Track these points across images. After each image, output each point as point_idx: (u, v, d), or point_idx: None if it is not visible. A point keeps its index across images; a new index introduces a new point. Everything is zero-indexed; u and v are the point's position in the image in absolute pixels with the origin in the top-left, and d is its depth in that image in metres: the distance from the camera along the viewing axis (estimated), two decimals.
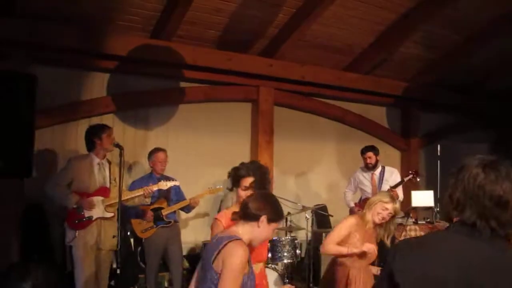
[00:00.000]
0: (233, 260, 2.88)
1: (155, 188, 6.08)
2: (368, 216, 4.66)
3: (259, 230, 3.09)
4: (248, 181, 3.73)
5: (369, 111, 9.86)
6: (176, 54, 6.95)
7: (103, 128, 5.86)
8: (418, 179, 7.73)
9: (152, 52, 6.84)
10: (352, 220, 4.70)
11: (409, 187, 8.16)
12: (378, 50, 8.39)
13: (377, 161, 7.56)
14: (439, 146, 10.69)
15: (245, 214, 3.12)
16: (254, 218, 3.09)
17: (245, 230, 3.10)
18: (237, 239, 2.98)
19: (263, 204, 3.13)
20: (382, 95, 9.40)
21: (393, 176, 7.51)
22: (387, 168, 7.59)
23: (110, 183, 5.80)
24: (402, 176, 7.62)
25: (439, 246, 1.99)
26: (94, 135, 5.78)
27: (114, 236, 5.42)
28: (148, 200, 6.08)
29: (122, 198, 5.41)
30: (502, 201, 1.95)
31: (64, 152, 6.77)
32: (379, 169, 7.56)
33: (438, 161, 10.54)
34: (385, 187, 7.34)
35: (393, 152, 10.19)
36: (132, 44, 6.68)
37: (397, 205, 4.68)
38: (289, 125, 8.90)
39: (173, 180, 6.29)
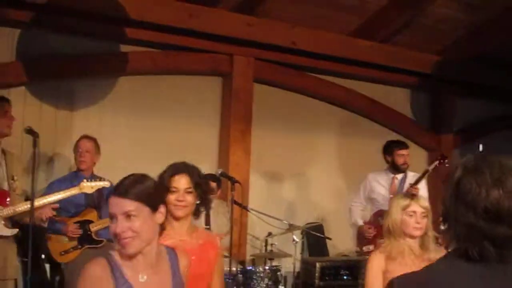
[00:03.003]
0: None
1: (74, 191, 5.97)
2: (398, 240, 4.61)
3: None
4: (179, 181, 3.81)
5: (385, 93, 9.93)
6: (115, 5, 6.87)
7: None
8: (447, 165, 7.74)
9: (83, 0, 6.76)
10: (377, 258, 4.66)
11: (436, 193, 8.19)
12: (400, 9, 8.43)
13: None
14: (480, 145, 10.76)
15: None
16: None
17: None
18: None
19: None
20: (403, 72, 9.46)
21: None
22: (410, 173, 7.64)
23: (8, 183, 5.63)
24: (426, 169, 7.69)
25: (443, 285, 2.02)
26: None
27: (22, 260, 5.36)
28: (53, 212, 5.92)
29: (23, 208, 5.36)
30: (494, 212, 1.97)
31: None
32: (412, 172, 7.61)
33: None
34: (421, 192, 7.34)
35: (417, 151, 10.24)
36: None
37: (423, 201, 4.68)
38: (273, 110, 8.92)
39: (103, 181, 6.22)
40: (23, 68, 7.05)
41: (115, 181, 6.59)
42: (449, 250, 2.09)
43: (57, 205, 5.83)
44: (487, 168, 2.01)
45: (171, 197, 3.70)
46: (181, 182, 3.78)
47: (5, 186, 5.62)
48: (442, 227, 2.14)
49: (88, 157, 6.55)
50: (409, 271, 4.36)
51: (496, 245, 1.96)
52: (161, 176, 3.84)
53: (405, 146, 7.68)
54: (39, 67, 7.20)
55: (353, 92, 9.58)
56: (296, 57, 8.64)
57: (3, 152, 5.73)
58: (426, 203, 4.60)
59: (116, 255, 2.89)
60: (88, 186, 6.00)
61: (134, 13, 7.05)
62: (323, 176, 9.35)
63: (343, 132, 9.60)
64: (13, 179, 5.65)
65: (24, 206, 5.50)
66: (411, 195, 4.80)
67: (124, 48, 7.74)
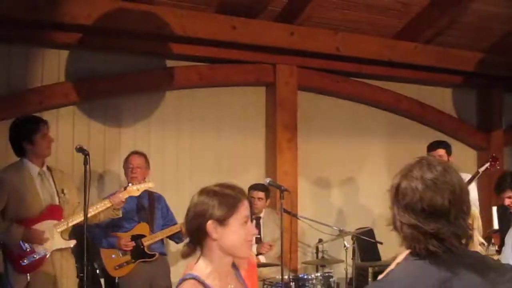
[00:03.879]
0: None
1: (124, 195, 6.02)
2: None
3: (220, 243, 2.89)
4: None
5: (431, 94, 9.91)
6: (160, 22, 7.02)
7: (34, 125, 5.74)
8: (498, 167, 7.60)
9: (127, 19, 6.89)
10: None
11: (486, 196, 8.13)
12: (442, 9, 8.40)
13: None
14: None
15: (191, 237, 2.96)
16: (200, 233, 2.90)
17: (203, 259, 2.94)
18: (186, 279, 2.89)
19: (199, 206, 2.91)
20: (449, 72, 9.45)
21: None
22: (461, 175, 7.51)
23: (59, 197, 5.75)
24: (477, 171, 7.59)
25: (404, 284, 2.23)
26: (23, 138, 5.68)
27: (78, 276, 5.50)
28: (119, 213, 6.07)
29: (81, 218, 5.49)
30: (430, 210, 2.20)
31: (7, 159, 6.84)
32: None
33: None
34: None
35: (466, 151, 10.20)
36: (100, 10, 6.73)
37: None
38: (319, 117, 8.97)
39: (143, 184, 6.24)
40: (71, 88, 7.22)
41: (165, 194, 6.78)
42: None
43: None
44: (417, 171, 2.24)
45: None
46: None
47: (56, 201, 5.76)
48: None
49: (139, 172, 6.68)
50: None
51: (439, 239, 2.19)
52: None
53: (438, 147, 7.57)
54: (87, 86, 7.35)
55: (400, 95, 9.56)
56: (340, 63, 8.68)
57: (49, 169, 5.86)
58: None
59: (201, 274, 2.88)
60: (134, 189, 6.09)
61: (178, 29, 7.18)
62: (372, 180, 9.31)
63: (390, 136, 9.57)
64: (63, 192, 5.79)
65: (77, 219, 5.65)
66: None
67: (170, 63, 7.85)
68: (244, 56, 8.07)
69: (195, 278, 2.84)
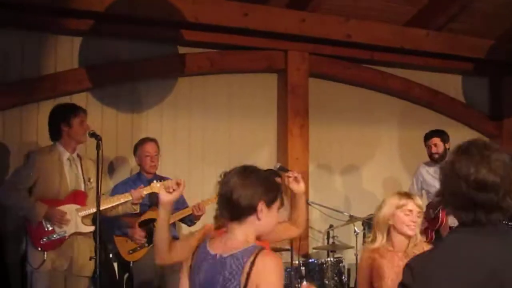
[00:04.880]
0: (274, 279, 3.00)
1: (146, 191, 6.17)
2: (384, 237, 4.63)
3: (262, 223, 3.15)
4: None
5: (443, 81, 9.95)
6: (171, 8, 7.08)
7: (74, 110, 6.02)
8: None
9: (139, 6, 6.99)
10: (365, 254, 4.73)
11: None
12: None
13: (445, 151, 7.59)
14: None
15: (235, 211, 3.14)
16: (249, 211, 3.12)
17: (246, 232, 3.15)
18: (260, 250, 3.06)
19: (250, 186, 3.12)
20: (460, 59, 9.49)
21: None
22: None
23: (85, 185, 5.98)
24: None
25: (455, 256, 2.40)
26: (62, 120, 5.94)
27: (91, 258, 5.60)
28: (137, 208, 6.23)
29: (101, 207, 5.58)
30: (482, 184, 2.37)
31: (20, 145, 6.99)
32: None
33: None
34: None
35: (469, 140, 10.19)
36: None
37: (418, 199, 4.59)
38: (330, 103, 9.03)
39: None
40: (85, 74, 7.30)
41: None
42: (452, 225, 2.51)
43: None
44: (475, 149, 2.43)
45: None
46: None
47: (82, 188, 5.99)
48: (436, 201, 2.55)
49: (158, 160, 6.83)
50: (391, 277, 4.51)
51: (485, 209, 2.39)
52: None
53: (433, 135, 7.74)
54: (100, 73, 7.43)
55: (411, 82, 9.60)
56: (352, 50, 8.73)
57: (79, 156, 6.10)
58: (420, 202, 4.61)
59: None
60: (158, 187, 6.19)
61: (190, 16, 7.25)
62: (383, 167, 9.36)
63: (402, 123, 9.60)
64: (89, 181, 6.01)
65: (90, 209, 5.83)
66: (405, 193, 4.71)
67: (181, 49, 7.91)
68: (256, 43, 8.13)
69: (264, 248, 3.09)
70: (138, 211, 6.31)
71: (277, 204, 3.21)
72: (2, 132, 7.03)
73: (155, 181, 6.28)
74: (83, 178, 6.01)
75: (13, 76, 7.01)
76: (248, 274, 2.97)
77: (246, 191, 3.09)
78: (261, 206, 3.11)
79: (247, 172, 3.19)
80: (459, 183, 2.39)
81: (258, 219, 3.12)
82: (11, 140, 7.03)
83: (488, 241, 2.38)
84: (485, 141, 2.51)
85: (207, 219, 7.45)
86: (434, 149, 7.64)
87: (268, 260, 3.00)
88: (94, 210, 5.68)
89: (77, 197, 5.93)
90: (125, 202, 6.06)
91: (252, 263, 2.98)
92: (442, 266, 2.35)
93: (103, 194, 6.05)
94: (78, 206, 5.88)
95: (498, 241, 2.39)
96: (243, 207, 3.09)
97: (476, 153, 2.41)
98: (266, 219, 3.15)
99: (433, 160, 7.68)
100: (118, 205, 6.07)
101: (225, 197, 3.14)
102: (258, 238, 3.19)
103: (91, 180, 5.98)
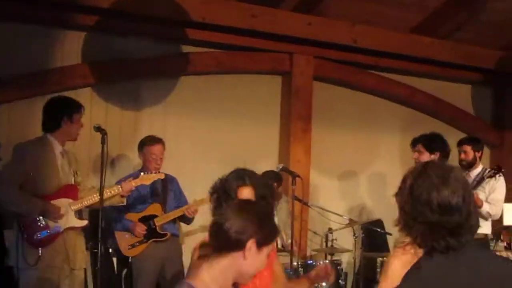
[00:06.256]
0: None
1: (135, 184, 6.17)
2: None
3: (246, 263, 2.87)
4: (245, 192, 3.76)
5: (447, 90, 9.99)
6: (178, 7, 7.14)
7: (78, 106, 5.98)
8: (500, 175, 7.61)
9: (146, 4, 7.06)
10: (402, 257, 4.64)
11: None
12: (461, 5, 8.52)
13: (475, 159, 7.51)
14: None
15: (222, 242, 2.88)
16: (237, 246, 2.85)
17: (218, 269, 2.87)
18: None
19: (246, 220, 2.88)
20: (466, 68, 9.55)
21: (491, 182, 7.37)
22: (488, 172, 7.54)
23: (74, 178, 5.93)
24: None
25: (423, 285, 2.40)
26: (65, 113, 5.88)
27: (94, 251, 5.63)
28: (124, 201, 6.18)
29: (93, 200, 5.74)
30: (446, 207, 2.37)
31: (25, 137, 7.02)
32: (477, 170, 7.56)
33: None
34: (481, 196, 7.25)
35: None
36: None
37: None
38: (333, 108, 9.09)
39: (155, 174, 6.44)
40: (89, 70, 7.36)
41: (180, 179, 6.93)
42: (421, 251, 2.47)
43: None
44: (431, 169, 2.43)
45: None
46: (244, 194, 3.74)
47: (72, 182, 5.94)
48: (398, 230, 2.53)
49: (162, 161, 6.87)
50: None
51: (453, 233, 2.36)
52: (225, 184, 3.84)
53: (464, 142, 7.62)
54: (104, 69, 7.50)
55: (415, 89, 9.66)
56: (357, 55, 8.80)
57: (65, 151, 6.00)
58: None
59: None
60: (146, 178, 6.26)
61: (196, 15, 7.30)
62: (384, 172, 9.39)
63: (405, 130, 9.57)
64: (76, 174, 5.95)
65: (92, 199, 5.84)
66: None
67: (187, 49, 7.96)
68: (262, 45, 8.20)
69: None
70: (124, 203, 6.25)
71: (268, 248, 2.94)
72: (8, 125, 7.09)
73: (142, 173, 6.30)
74: (72, 171, 5.94)
75: (20, 70, 7.07)
76: None
77: (238, 222, 2.86)
78: (251, 244, 2.85)
79: (247, 203, 3.10)
80: (422, 209, 2.38)
81: (244, 258, 2.85)
82: (16, 132, 7.04)
83: (461, 269, 2.37)
84: (439, 162, 2.50)
85: (208, 218, 7.51)
86: (463, 156, 7.59)
87: None
88: (87, 203, 5.75)
89: (70, 191, 5.87)
90: (115, 194, 6.02)
91: None
92: None
93: (93, 187, 6.10)
94: (71, 200, 5.83)
95: (470, 268, 2.37)
96: (232, 239, 2.84)
97: (434, 176, 2.40)
98: (252, 261, 2.87)
99: (462, 167, 7.58)
100: (111, 197, 6.02)
101: (217, 224, 2.92)
102: (236, 279, 2.94)
103: (78, 173, 5.94)
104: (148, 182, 6.38)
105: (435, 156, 7.17)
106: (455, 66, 9.42)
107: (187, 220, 7.01)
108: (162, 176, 6.52)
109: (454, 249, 2.36)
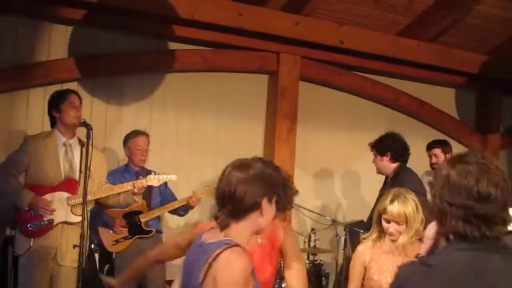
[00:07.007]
0: (231, 276, 2.92)
1: (147, 183, 6.34)
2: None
3: (264, 218, 3.15)
4: None
5: (431, 93, 10.06)
6: (165, 4, 7.14)
7: (62, 94, 6.11)
8: None
9: None
10: (360, 249, 4.83)
11: None
12: (448, 9, 8.56)
13: None
14: None
15: (239, 208, 3.11)
16: (253, 208, 3.12)
17: (240, 229, 3.12)
18: (231, 246, 2.99)
19: (254, 183, 3.12)
20: (451, 72, 9.60)
21: None
22: None
23: (80, 172, 5.95)
24: None
25: (452, 271, 2.36)
26: (53, 107, 6.07)
27: (75, 246, 5.66)
28: (138, 199, 6.38)
29: (103, 194, 5.88)
30: (485, 195, 2.36)
31: (9, 131, 7.05)
32: None
33: None
34: None
35: (462, 151, 10.29)
36: None
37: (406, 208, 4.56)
38: (319, 108, 9.12)
39: (164, 175, 6.55)
40: (75, 64, 7.34)
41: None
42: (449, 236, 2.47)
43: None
44: (470, 156, 2.45)
45: None
46: None
47: (76, 175, 6.02)
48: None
49: (147, 154, 6.92)
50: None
51: (488, 222, 2.37)
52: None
53: (434, 146, 7.87)
54: (91, 64, 7.48)
55: (399, 91, 9.72)
56: (343, 56, 8.82)
57: (81, 142, 6.07)
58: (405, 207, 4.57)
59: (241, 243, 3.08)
60: (155, 180, 6.36)
61: (183, 12, 7.30)
62: (368, 173, 9.36)
63: (389, 131, 9.67)
64: (89, 169, 5.88)
65: (93, 197, 5.97)
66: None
67: (173, 45, 7.97)
68: (249, 43, 8.20)
69: (238, 245, 3.03)
70: (140, 202, 6.49)
71: (275, 198, 3.19)
72: None
73: (153, 173, 6.48)
74: (80, 166, 5.97)
75: (6, 62, 7.05)
76: (210, 264, 2.96)
77: (251, 187, 3.09)
78: (265, 202, 3.12)
79: (249, 167, 3.18)
80: (460, 194, 2.37)
81: (262, 215, 3.13)
82: (1, 125, 7.08)
83: (492, 258, 2.36)
84: (481, 151, 2.49)
85: (191, 216, 7.55)
86: (433, 159, 7.67)
87: (233, 257, 2.95)
88: (87, 199, 5.73)
89: (70, 185, 5.96)
90: (127, 191, 6.18)
91: (218, 255, 2.95)
92: (444, 285, 2.34)
93: (106, 183, 6.21)
94: (69, 195, 5.91)
95: (502, 258, 2.36)
96: (249, 204, 3.09)
97: (474, 163, 2.41)
98: (268, 215, 3.16)
99: (434, 170, 7.68)
100: (120, 193, 6.18)
101: (228, 193, 3.10)
102: (257, 233, 3.25)
103: (91, 168, 5.85)
104: (156, 184, 6.52)
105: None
106: (439, 69, 9.47)
107: (184, 210, 7.06)
108: (175, 178, 6.68)
109: (488, 237, 2.36)
